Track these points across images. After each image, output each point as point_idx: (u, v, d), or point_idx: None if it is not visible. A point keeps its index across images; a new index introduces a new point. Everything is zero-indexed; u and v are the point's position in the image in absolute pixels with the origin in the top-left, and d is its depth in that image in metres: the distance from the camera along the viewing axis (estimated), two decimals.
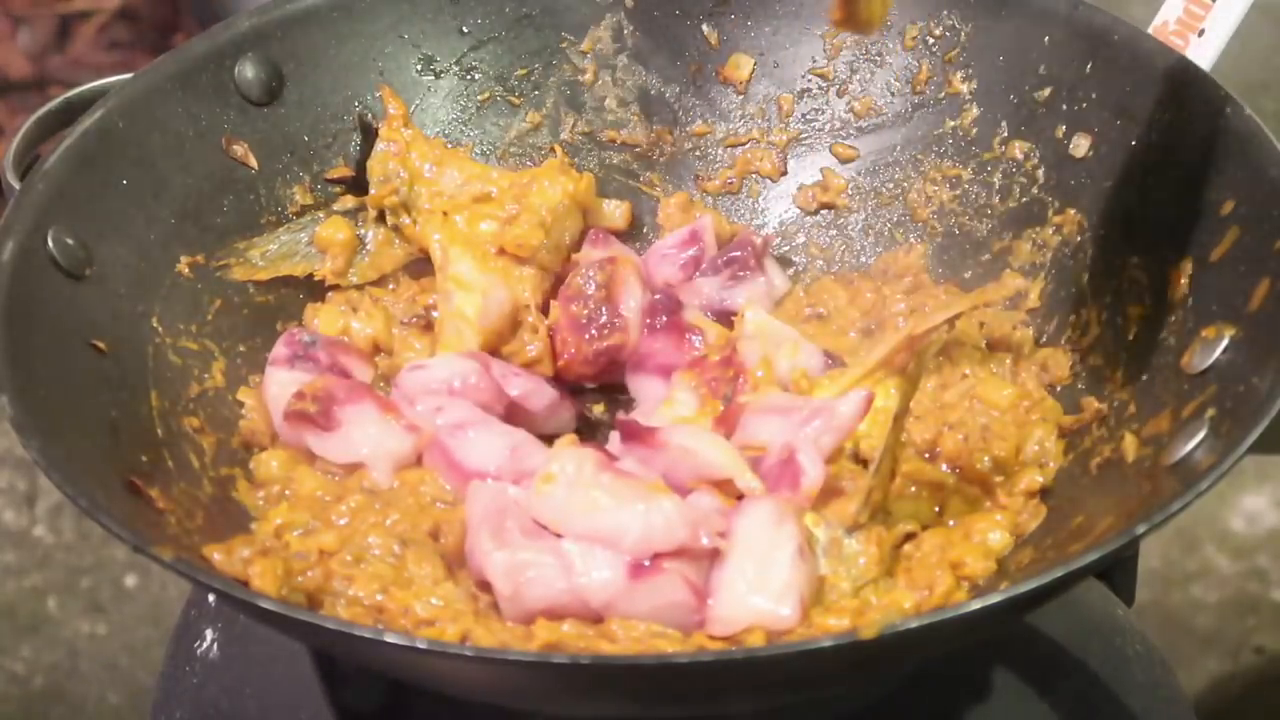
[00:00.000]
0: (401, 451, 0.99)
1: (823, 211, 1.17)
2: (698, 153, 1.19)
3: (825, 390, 1.01)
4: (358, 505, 0.95)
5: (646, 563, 0.87)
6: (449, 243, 1.09)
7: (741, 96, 1.19)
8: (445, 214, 1.10)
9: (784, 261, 1.16)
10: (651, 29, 1.18)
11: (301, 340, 1.04)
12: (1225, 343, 0.90)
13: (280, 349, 1.04)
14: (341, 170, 1.13)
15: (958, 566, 0.91)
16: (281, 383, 1.02)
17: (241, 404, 1.03)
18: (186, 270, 1.04)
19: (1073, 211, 1.06)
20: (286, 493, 0.98)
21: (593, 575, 0.88)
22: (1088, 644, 1.04)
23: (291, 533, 0.92)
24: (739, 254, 1.12)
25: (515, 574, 0.88)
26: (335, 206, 1.12)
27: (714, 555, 0.89)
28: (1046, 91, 1.09)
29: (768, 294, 1.12)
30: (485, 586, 0.91)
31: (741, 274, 1.11)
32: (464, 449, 0.98)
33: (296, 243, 1.10)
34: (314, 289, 1.11)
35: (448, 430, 0.98)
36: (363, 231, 1.12)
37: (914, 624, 0.75)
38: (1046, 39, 1.08)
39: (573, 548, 0.88)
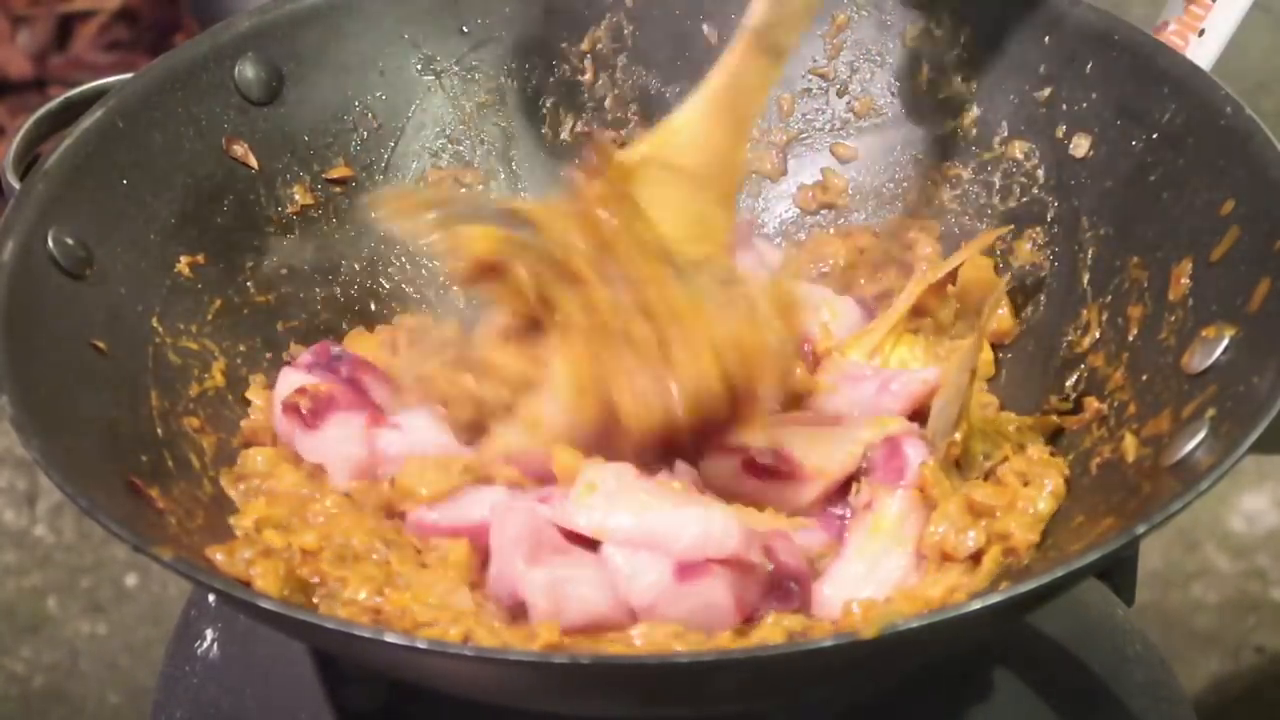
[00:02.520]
0: (358, 458, 0.99)
1: (823, 211, 1.17)
2: None
3: (856, 349, 1.03)
4: (335, 505, 0.95)
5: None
6: None
7: None
8: None
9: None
10: (651, 29, 1.18)
11: (330, 352, 1.04)
12: (1225, 343, 0.90)
13: (305, 355, 1.05)
14: (342, 170, 1.13)
15: (1005, 538, 0.91)
16: (292, 382, 1.02)
17: (249, 403, 1.03)
18: (186, 270, 1.04)
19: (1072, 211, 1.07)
20: (265, 487, 0.97)
21: (640, 578, 0.87)
22: (1088, 644, 1.04)
23: (270, 528, 0.92)
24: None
25: (555, 590, 0.88)
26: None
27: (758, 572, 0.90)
28: (1046, 91, 1.09)
29: (761, 266, 1.12)
30: (513, 609, 0.90)
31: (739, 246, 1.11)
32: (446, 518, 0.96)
33: None
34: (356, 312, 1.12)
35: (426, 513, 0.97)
36: None
37: (914, 624, 0.75)
38: (1046, 39, 1.08)
39: (616, 553, 0.88)
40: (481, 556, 0.93)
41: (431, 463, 0.96)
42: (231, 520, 0.94)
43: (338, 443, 0.99)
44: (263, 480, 0.98)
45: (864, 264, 1.12)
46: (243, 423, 1.02)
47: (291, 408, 0.99)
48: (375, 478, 0.98)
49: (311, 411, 0.99)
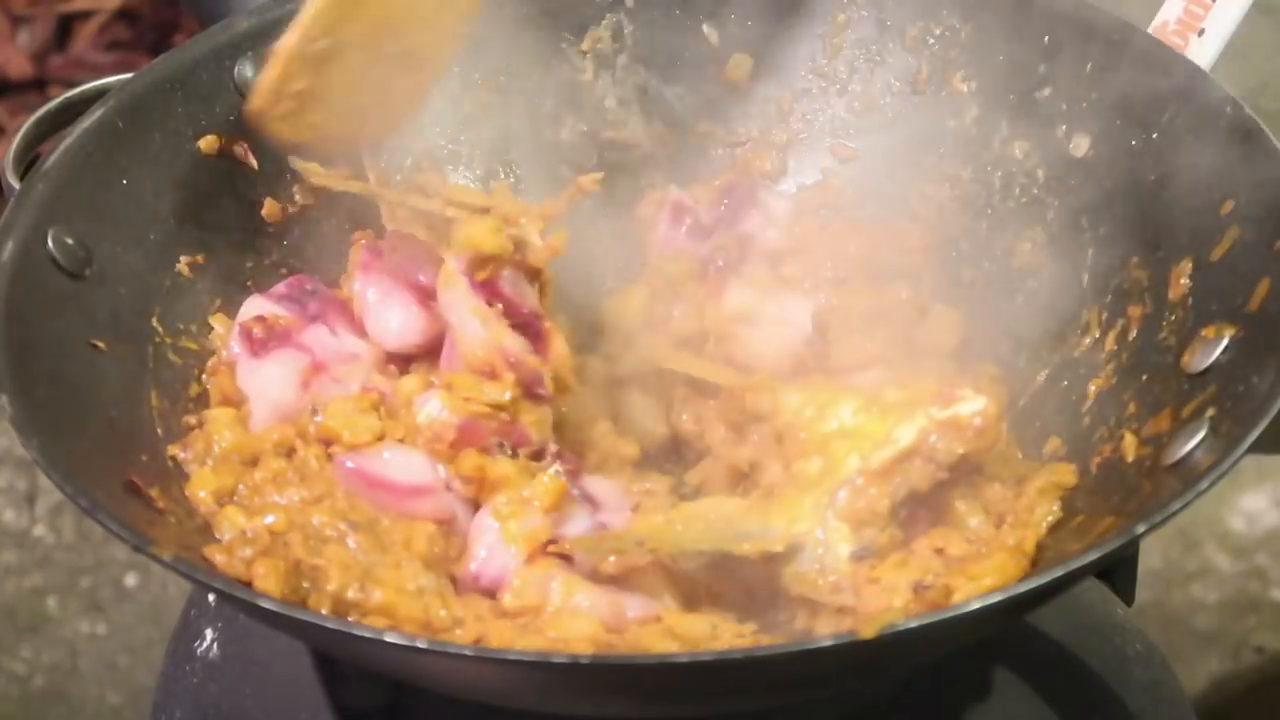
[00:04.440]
0: (283, 400, 0.98)
1: (823, 211, 1.17)
2: (698, 152, 1.19)
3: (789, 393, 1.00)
4: (271, 474, 0.95)
5: None
6: None
7: (742, 96, 1.19)
8: None
9: (782, 260, 1.16)
10: (651, 29, 1.18)
11: (304, 286, 1.04)
12: (1225, 342, 0.90)
13: (280, 286, 1.05)
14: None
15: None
16: (256, 308, 1.02)
17: (211, 329, 1.03)
18: (186, 270, 1.04)
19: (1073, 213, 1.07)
20: (215, 450, 0.96)
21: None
22: (1088, 644, 1.04)
23: (230, 504, 0.92)
24: (735, 192, 1.13)
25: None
26: None
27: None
28: (1046, 91, 1.09)
29: (768, 223, 1.12)
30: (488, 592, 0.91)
31: (745, 203, 1.12)
32: (388, 469, 0.96)
33: None
34: None
35: (361, 458, 0.96)
36: None
37: (914, 624, 0.75)
38: (1046, 39, 1.08)
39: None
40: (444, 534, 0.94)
41: (354, 405, 0.97)
42: (186, 491, 0.93)
43: (271, 380, 0.99)
44: (209, 442, 0.97)
45: (861, 273, 1.12)
46: (209, 361, 1.02)
47: (245, 331, 1.00)
48: (296, 424, 0.98)
49: (261, 340, 0.99)
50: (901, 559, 0.90)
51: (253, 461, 0.95)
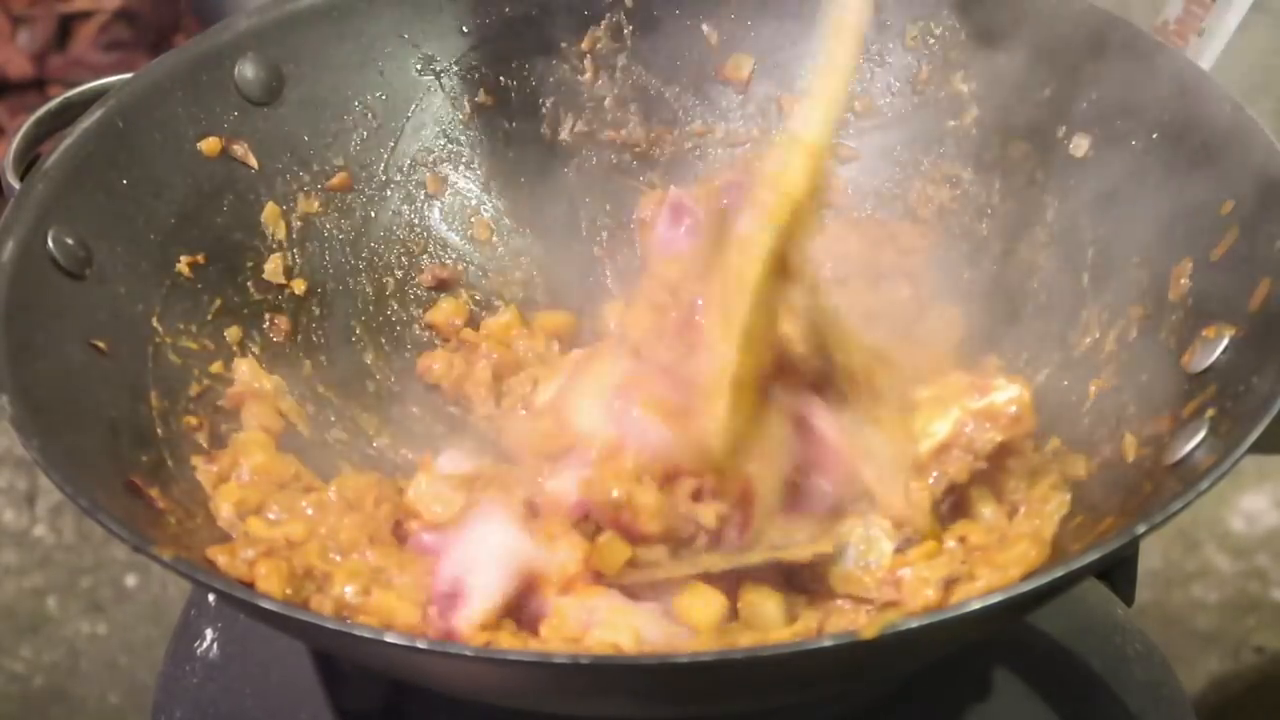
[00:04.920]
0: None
1: (822, 211, 1.17)
2: (698, 152, 1.19)
3: None
4: (314, 503, 0.94)
5: None
6: None
7: (741, 96, 1.19)
8: None
9: None
10: (651, 29, 1.18)
11: None
12: (1225, 342, 0.90)
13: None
14: (342, 178, 1.13)
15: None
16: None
17: (212, 330, 1.03)
18: (186, 270, 1.04)
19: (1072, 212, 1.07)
20: (241, 471, 0.96)
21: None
22: (1088, 644, 1.05)
23: (251, 514, 0.92)
24: (735, 192, 1.12)
25: None
26: None
27: None
28: (1046, 91, 1.09)
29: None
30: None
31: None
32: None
33: None
34: None
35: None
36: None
37: (914, 624, 0.75)
38: (1046, 39, 1.08)
39: None
40: None
41: (445, 482, 0.95)
42: (210, 506, 0.93)
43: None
44: (234, 460, 0.96)
45: (861, 273, 1.12)
46: (229, 390, 1.02)
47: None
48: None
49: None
50: (930, 549, 0.90)
51: (281, 485, 0.95)
